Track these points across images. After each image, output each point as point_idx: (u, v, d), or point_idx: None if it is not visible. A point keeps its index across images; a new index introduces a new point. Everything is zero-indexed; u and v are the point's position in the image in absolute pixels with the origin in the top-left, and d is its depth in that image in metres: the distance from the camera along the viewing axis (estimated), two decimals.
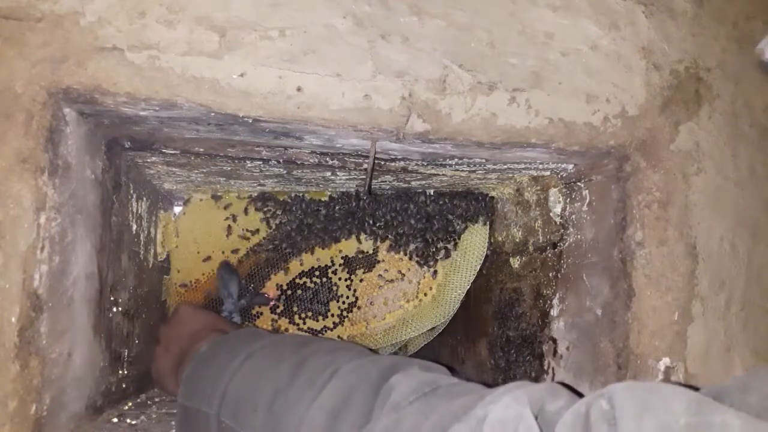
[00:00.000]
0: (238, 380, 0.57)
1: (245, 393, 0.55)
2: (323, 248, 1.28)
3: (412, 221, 1.23)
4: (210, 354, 0.68)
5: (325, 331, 1.27)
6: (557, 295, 0.98)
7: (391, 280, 1.26)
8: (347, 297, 1.28)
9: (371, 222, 1.25)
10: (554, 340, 0.97)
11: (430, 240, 1.23)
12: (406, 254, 1.26)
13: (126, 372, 0.96)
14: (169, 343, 0.82)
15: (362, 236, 1.27)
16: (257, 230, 1.25)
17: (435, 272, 1.24)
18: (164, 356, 0.82)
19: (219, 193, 1.23)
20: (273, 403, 0.52)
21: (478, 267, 1.20)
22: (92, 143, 0.75)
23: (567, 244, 0.96)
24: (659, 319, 0.80)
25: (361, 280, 1.28)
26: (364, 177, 1.06)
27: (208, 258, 1.23)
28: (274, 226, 1.26)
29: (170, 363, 0.80)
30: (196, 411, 0.61)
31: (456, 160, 0.90)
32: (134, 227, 1.01)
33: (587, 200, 0.91)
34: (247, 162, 0.96)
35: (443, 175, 1.04)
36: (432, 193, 1.21)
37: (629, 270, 0.81)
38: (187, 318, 0.84)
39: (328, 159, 0.91)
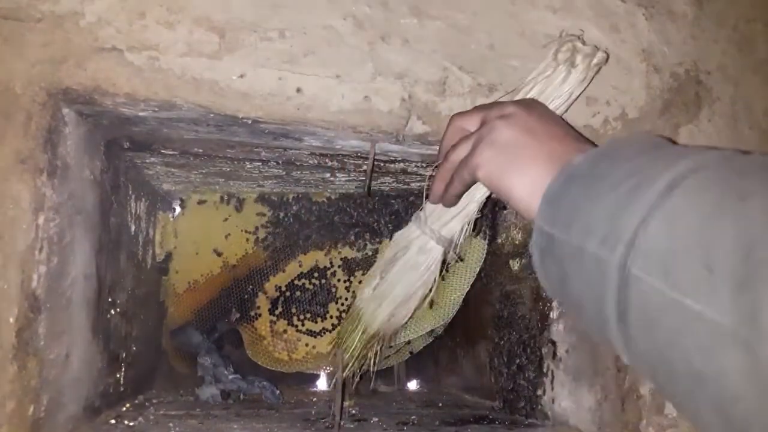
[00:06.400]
0: (660, 221, 0.39)
1: (679, 242, 0.37)
2: (322, 250, 1.28)
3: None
4: (590, 172, 0.47)
5: (324, 333, 1.27)
6: None
7: None
8: (346, 299, 1.28)
9: (370, 223, 1.25)
10: (554, 343, 0.97)
11: None
12: None
13: (124, 373, 0.96)
14: (535, 129, 0.56)
15: (361, 237, 1.27)
16: (256, 231, 1.25)
17: None
18: (529, 141, 0.55)
19: (218, 194, 1.23)
20: (747, 258, 0.33)
21: (478, 269, 1.19)
22: (91, 144, 0.75)
23: None
24: None
25: (360, 282, 1.28)
26: (364, 178, 1.06)
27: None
28: (272, 227, 1.25)
29: (538, 153, 0.54)
30: (576, 248, 0.44)
31: None
32: (133, 228, 1.01)
33: None
34: (247, 163, 0.96)
35: None
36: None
37: None
38: (550, 113, 0.62)
39: (327, 160, 0.91)
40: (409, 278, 0.82)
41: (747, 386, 0.33)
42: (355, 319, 0.88)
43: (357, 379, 0.95)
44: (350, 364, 0.90)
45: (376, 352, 0.91)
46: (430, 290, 0.84)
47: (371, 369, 0.93)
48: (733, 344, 0.32)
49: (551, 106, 0.66)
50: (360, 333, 0.88)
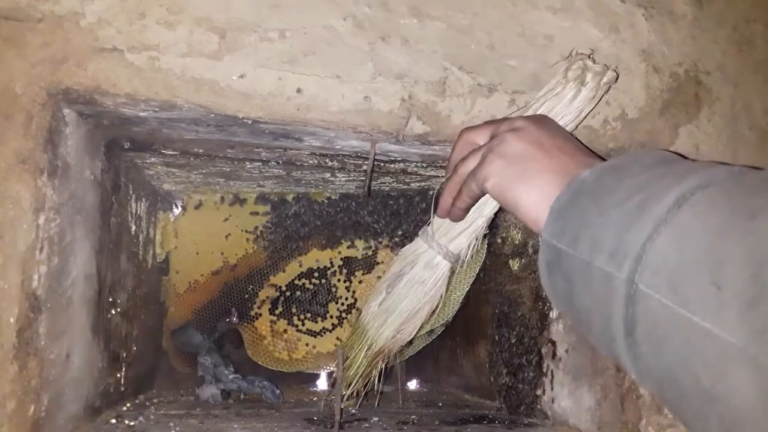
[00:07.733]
0: (668, 237, 0.39)
1: (687, 258, 0.37)
2: (322, 249, 1.28)
3: (412, 223, 1.23)
4: (598, 186, 0.47)
5: (324, 332, 1.27)
6: None
7: None
8: (346, 298, 1.28)
9: (370, 223, 1.25)
10: (553, 343, 0.97)
11: None
12: None
13: (124, 373, 0.96)
14: (545, 143, 0.56)
15: (361, 237, 1.27)
16: (256, 230, 1.25)
17: None
18: (538, 154, 0.55)
19: (218, 194, 1.23)
20: (757, 276, 0.33)
21: (478, 269, 1.20)
22: (92, 144, 0.75)
23: None
24: None
25: (360, 282, 1.28)
26: (364, 178, 1.06)
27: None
28: (273, 227, 1.26)
29: (547, 166, 0.54)
30: (583, 263, 0.44)
31: None
32: (133, 228, 1.01)
33: None
34: (247, 163, 0.96)
35: (443, 176, 1.04)
36: (432, 194, 1.21)
37: None
38: (559, 128, 0.62)
39: (327, 160, 0.91)
40: (416, 294, 0.81)
41: (756, 406, 0.32)
42: (361, 335, 0.88)
43: (362, 396, 0.94)
44: (355, 382, 0.89)
45: (381, 370, 0.90)
46: (437, 306, 0.84)
47: (377, 387, 0.92)
48: (742, 363, 0.32)
49: (560, 123, 0.66)
50: (365, 349, 0.87)
